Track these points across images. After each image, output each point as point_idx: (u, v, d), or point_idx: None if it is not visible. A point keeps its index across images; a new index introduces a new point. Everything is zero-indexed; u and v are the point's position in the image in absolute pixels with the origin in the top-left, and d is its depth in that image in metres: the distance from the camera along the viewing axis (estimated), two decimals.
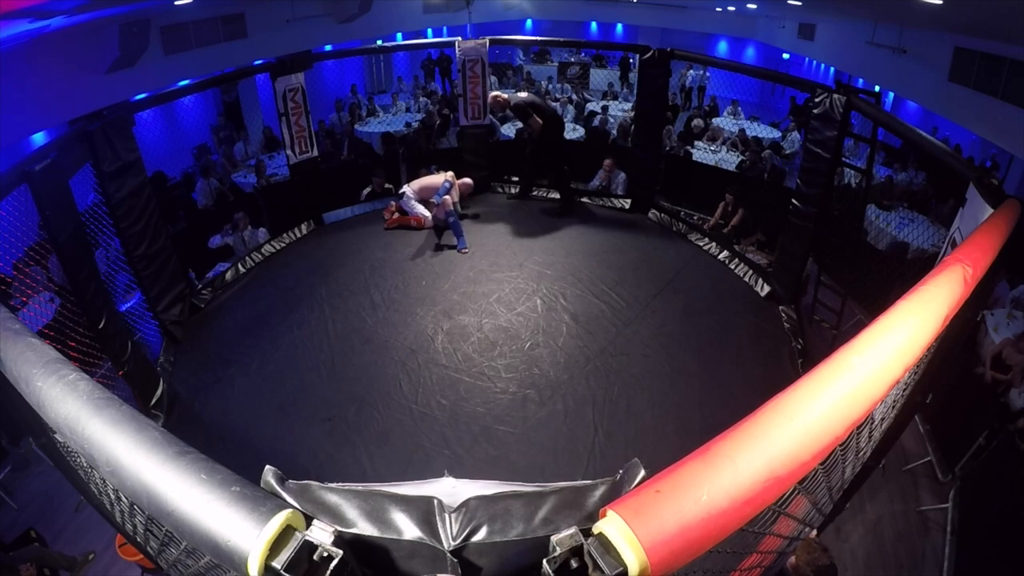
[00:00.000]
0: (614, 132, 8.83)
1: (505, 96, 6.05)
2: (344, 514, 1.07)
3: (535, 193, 6.77)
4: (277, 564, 0.80)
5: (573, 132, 9.17)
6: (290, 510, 0.86)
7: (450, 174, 5.77)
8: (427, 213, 5.66)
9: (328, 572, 0.83)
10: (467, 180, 6.08)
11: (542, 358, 4.11)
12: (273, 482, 1.12)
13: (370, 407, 3.71)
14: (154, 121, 6.63)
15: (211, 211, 6.34)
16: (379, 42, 11.47)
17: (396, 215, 5.97)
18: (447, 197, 5.48)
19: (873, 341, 1.18)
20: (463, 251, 5.45)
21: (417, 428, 3.56)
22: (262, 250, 5.59)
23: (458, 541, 1.04)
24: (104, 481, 1.40)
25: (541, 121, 5.90)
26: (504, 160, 6.96)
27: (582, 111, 10.45)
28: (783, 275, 4.93)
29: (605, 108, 10.08)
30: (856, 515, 3.60)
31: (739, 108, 10.77)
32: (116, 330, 3.61)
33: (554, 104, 10.13)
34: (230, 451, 3.35)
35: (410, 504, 1.09)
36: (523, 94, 6.41)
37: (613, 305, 4.69)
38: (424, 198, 5.68)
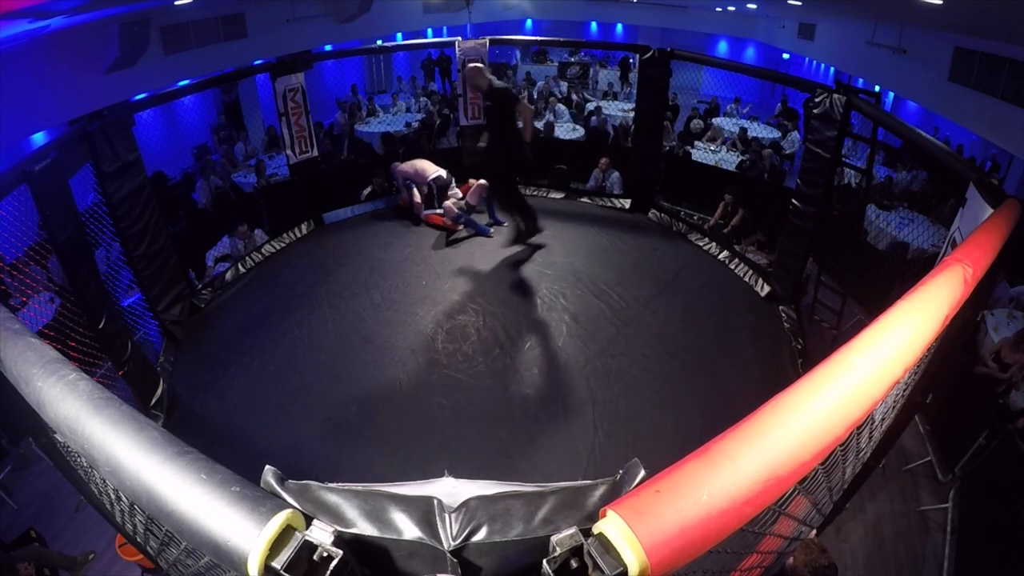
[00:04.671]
0: (613, 125, 8.83)
1: (489, 75, 5.05)
2: (344, 514, 1.07)
3: (535, 193, 6.76)
4: (277, 564, 0.80)
5: (573, 132, 9.18)
6: (290, 510, 0.86)
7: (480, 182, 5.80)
8: (418, 198, 5.95)
9: (328, 572, 0.83)
10: (482, 182, 5.91)
11: (542, 358, 4.11)
12: (273, 482, 1.12)
13: (370, 407, 3.71)
14: (154, 121, 6.63)
15: (211, 212, 6.34)
16: (379, 42, 11.48)
17: (432, 214, 5.98)
18: (449, 203, 5.56)
19: (873, 341, 1.18)
20: (490, 235, 5.69)
21: (417, 428, 3.56)
22: (262, 250, 5.59)
23: (458, 541, 1.04)
24: (104, 481, 1.39)
25: (532, 109, 5.42)
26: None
27: (582, 111, 10.44)
28: (783, 275, 4.93)
29: (598, 109, 10.03)
30: (856, 515, 3.60)
31: (738, 107, 10.77)
32: (116, 330, 3.61)
33: (559, 106, 10.11)
34: (230, 451, 3.34)
35: (410, 504, 1.09)
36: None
37: (613, 305, 4.68)
38: (413, 179, 5.90)
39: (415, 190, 5.96)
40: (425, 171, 5.90)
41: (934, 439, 4.15)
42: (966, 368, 4.28)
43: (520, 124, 4.84)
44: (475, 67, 4.95)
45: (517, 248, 5.47)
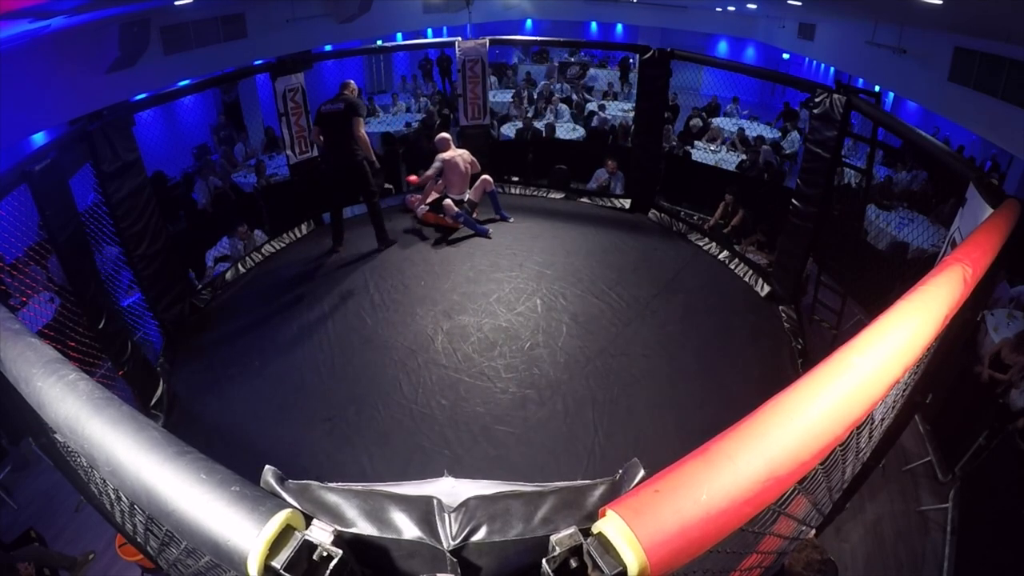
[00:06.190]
0: (614, 126, 8.82)
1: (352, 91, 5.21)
2: (344, 514, 1.07)
3: (535, 193, 6.77)
4: (277, 564, 0.80)
5: (573, 132, 9.18)
6: (290, 510, 0.86)
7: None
8: (430, 195, 5.86)
9: (328, 572, 0.83)
10: (485, 177, 5.95)
11: (542, 358, 4.11)
12: (273, 482, 1.12)
13: (370, 407, 3.71)
14: (154, 121, 6.63)
15: (210, 212, 6.34)
16: (379, 42, 11.47)
17: (430, 211, 5.94)
18: (449, 201, 5.54)
19: (873, 341, 1.18)
20: (489, 235, 5.67)
21: (417, 428, 3.56)
22: (262, 250, 5.59)
23: (458, 541, 1.04)
24: (104, 481, 1.40)
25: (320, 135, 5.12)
26: (504, 160, 6.96)
27: (582, 111, 10.45)
28: (783, 275, 4.93)
29: (603, 107, 10.04)
30: (856, 515, 3.60)
31: (738, 107, 10.78)
32: (116, 330, 3.61)
33: (560, 106, 10.07)
34: (230, 451, 3.35)
35: (410, 504, 1.09)
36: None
37: (613, 305, 4.68)
38: (444, 176, 5.74)
39: (433, 186, 5.90)
40: (456, 186, 5.75)
41: (934, 439, 4.15)
42: (966, 368, 4.29)
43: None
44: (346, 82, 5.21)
45: (516, 248, 5.48)
